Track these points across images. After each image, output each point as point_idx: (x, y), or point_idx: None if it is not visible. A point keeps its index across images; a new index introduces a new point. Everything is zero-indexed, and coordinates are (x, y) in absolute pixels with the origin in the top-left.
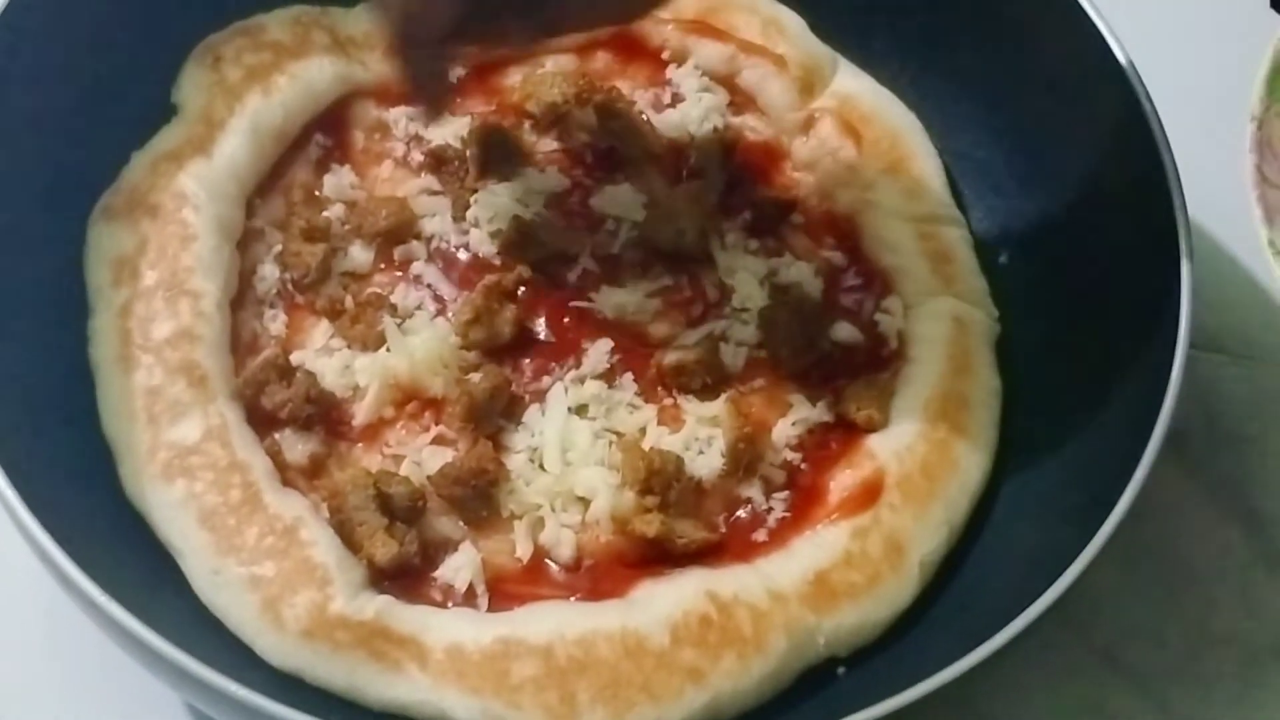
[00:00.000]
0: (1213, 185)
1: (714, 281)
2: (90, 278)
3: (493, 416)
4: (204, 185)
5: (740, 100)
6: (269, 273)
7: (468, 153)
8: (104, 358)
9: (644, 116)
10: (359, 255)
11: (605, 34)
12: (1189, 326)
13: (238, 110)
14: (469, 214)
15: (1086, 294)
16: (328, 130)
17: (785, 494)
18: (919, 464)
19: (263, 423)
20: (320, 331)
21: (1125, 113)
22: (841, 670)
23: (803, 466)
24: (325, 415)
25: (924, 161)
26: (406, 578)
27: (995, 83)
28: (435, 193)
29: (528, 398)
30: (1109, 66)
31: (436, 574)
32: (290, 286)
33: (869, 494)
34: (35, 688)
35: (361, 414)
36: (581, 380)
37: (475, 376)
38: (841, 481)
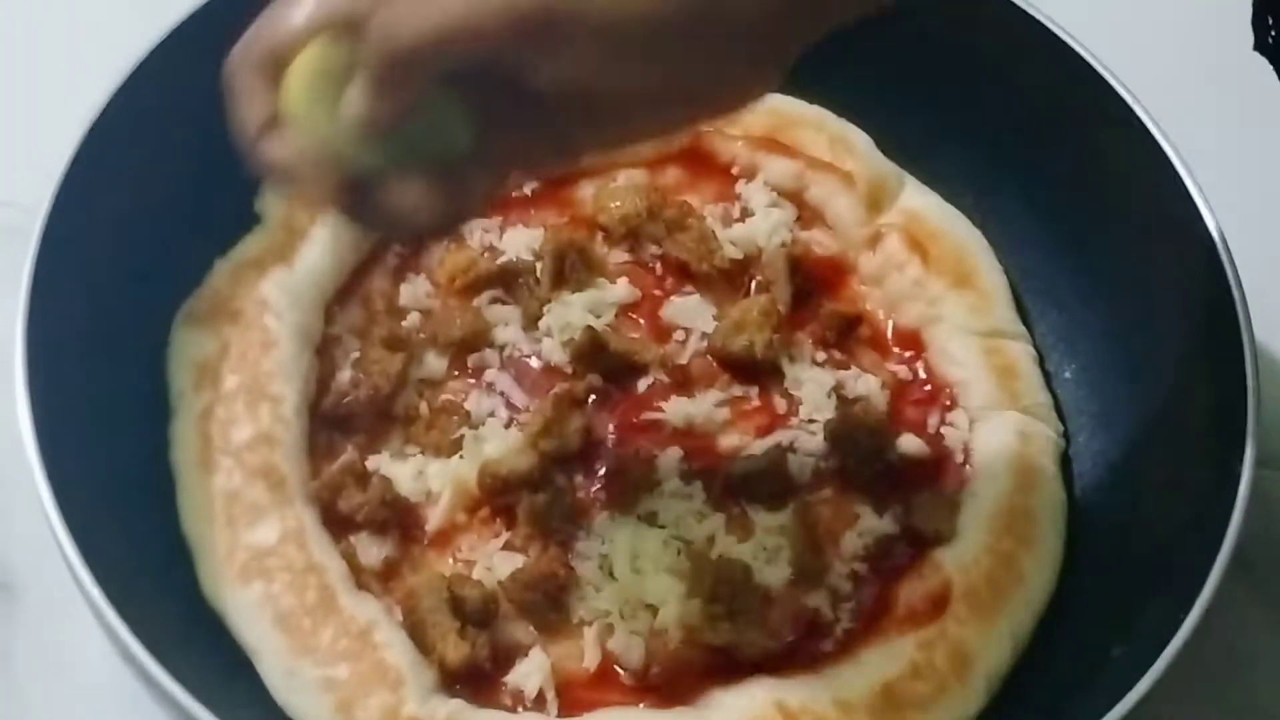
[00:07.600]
0: (1277, 301)
1: (782, 392)
2: (173, 381)
3: (556, 523)
4: (285, 292)
5: (808, 215)
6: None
7: (539, 264)
8: (185, 460)
9: (713, 231)
10: (434, 363)
11: (676, 149)
12: (1256, 445)
13: (319, 220)
14: (541, 323)
15: (1151, 410)
16: (404, 240)
17: (852, 604)
18: (984, 577)
19: (338, 526)
20: (396, 437)
21: (1190, 229)
22: None
23: (870, 577)
24: (399, 519)
25: (989, 277)
26: (477, 682)
27: (1060, 201)
28: (505, 302)
29: (598, 505)
30: (1175, 188)
31: (507, 679)
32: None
33: (935, 606)
34: None
35: (435, 519)
36: (651, 489)
37: None
38: (908, 593)
